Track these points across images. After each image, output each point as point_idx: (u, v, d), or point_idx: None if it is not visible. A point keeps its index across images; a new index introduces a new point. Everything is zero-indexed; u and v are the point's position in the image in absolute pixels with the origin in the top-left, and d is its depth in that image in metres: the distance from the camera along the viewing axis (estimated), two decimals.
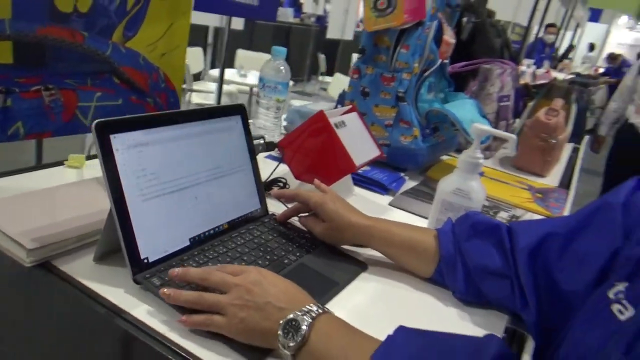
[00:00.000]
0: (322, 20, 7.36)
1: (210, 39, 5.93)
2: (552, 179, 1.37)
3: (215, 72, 4.59)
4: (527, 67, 3.81)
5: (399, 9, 1.00)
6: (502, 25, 1.82)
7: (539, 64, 5.61)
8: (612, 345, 0.43)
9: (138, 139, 0.58)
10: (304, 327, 0.46)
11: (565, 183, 1.36)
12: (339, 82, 4.59)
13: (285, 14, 7.44)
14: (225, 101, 4.10)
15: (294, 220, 0.77)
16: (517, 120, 1.71)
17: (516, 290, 0.63)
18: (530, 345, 0.61)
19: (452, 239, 0.69)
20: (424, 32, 1.04)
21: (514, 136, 0.76)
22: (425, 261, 0.69)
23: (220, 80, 2.15)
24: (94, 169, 0.86)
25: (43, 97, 1.07)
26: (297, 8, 8.51)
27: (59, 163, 0.85)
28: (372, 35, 1.06)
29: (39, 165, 0.83)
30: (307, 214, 0.75)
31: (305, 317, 0.47)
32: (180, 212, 0.62)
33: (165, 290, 0.52)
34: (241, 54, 4.92)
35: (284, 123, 1.24)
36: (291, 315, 0.47)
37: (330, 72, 6.24)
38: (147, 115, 0.59)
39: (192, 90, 3.97)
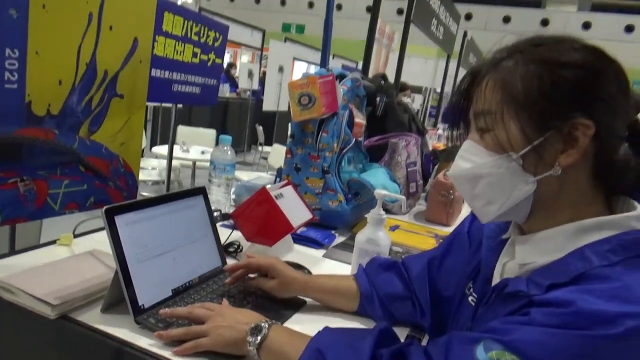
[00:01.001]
0: (257, 94, 7.81)
1: (149, 116, 6.15)
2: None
3: (157, 149, 4.79)
4: (443, 130, 4.31)
5: (318, 103, 1.30)
6: (407, 103, 2.20)
7: None
8: (467, 322, 0.71)
9: (133, 218, 0.80)
10: (264, 329, 0.70)
11: None
12: (278, 152, 4.90)
13: (222, 90, 7.84)
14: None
15: None
16: (429, 181, 2.05)
17: (416, 306, 0.88)
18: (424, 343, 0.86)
19: (366, 278, 0.94)
20: (338, 120, 1.35)
21: (402, 197, 1.04)
22: (350, 299, 0.93)
23: (170, 157, 2.37)
24: (80, 245, 1.05)
25: (19, 188, 1.24)
26: (233, 83, 8.97)
27: (52, 242, 1.04)
28: (299, 124, 1.35)
29: (36, 245, 1.02)
30: (253, 276, 0.94)
31: (265, 324, 0.71)
32: (164, 270, 0.84)
33: (158, 332, 0.73)
34: (182, 130, 5.15)
35: (233, 196, 1.48)
36: (255, 324, 0.71)
37: (269, 142, 6.59)
38: (138, 201, 0.82)
39: None
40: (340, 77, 1.40)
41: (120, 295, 0.77)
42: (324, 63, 2.01)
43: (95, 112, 1.43)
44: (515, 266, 0.66)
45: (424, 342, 0.87)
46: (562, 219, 0.62)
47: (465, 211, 1.86)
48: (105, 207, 0.76)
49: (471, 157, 0.66)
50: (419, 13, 3.08)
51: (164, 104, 5.08)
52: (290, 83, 1.34)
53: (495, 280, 0.69)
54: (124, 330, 0.75)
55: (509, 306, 0.61)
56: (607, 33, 13.20)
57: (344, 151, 1.39)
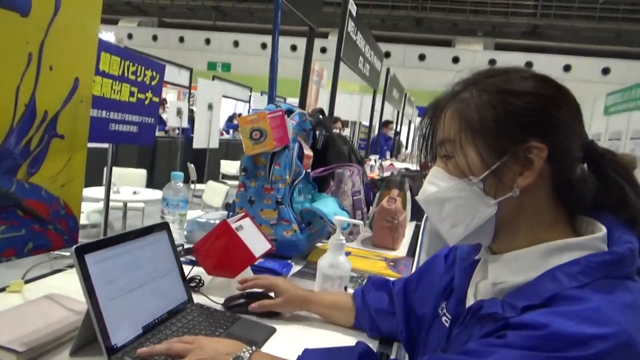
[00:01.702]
0: (187, 132, 7.70)
1: None
2: (401, 250, 1.76)
3: (85, 192, 4.54)
4: (374, 162, 4.49)
5: (270, 137, 1.35)
6: (346, 135, 2.30)
7: (383, 157, 6.51)
8: (442, 343, 0.74)
9: (102, 256, 0.79)
10: (245, 359, 0.70)
11: (411, 252, 1.76)
12: (212, 189, 4.85)
13: None
14: (97, 218, 4.06)
15: (216, 303, 0.99)
16: (371, 208, 2.13)
17: (399, 321, 0.93)
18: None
19: (361, 296, 1.00)
20: (290, 152, 1.40)
21: (360, 222, 1.11)
22: (347, 314, 0.99)
23: (107, 199, 2.29)
24: (32, 291, 1.00)
25: None
26: (161, 121, 8.78)
27: (1, 290, 0.98)
28: (251, 158, 1.38)
29: None
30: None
31: (245, 353, 0.72)
32: (134, 306, 0.82)
33: None
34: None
35: (185, 232, 1.46)
36: (236, 354, 0.71)
37: (200, 180, 6.49)
38: (107, 238, 0.81)
39: None
40: (289, 112, 1.46)
41: (90, 336, 0.75)
42: (271, 100, 2.07)
43: (35, 153, 1.38)
44: (488, 285, 0.69)
45: (393, 355, 0.92)
46: (526, 240, 0.66)
47: (409, 235, 1.96)
48: (75, 246, 0.75)
49: (437, 182, 0.70)
50: (347, 52, 3.25)
51: (89, 144, 4.85)
52: (240, 119, 1.38)
53: (469, 300, 0.73)
54: None
55: (485, 327, 0.63)
56: None
57: (295, 182, 1.43)
